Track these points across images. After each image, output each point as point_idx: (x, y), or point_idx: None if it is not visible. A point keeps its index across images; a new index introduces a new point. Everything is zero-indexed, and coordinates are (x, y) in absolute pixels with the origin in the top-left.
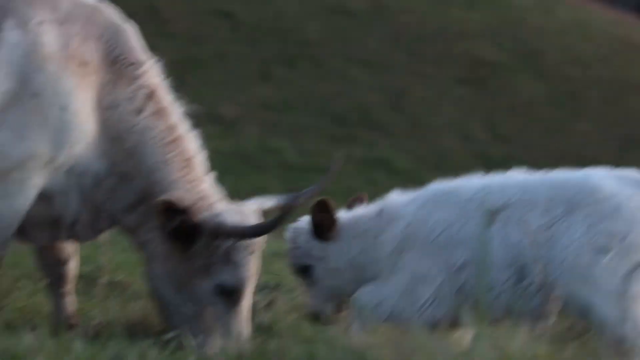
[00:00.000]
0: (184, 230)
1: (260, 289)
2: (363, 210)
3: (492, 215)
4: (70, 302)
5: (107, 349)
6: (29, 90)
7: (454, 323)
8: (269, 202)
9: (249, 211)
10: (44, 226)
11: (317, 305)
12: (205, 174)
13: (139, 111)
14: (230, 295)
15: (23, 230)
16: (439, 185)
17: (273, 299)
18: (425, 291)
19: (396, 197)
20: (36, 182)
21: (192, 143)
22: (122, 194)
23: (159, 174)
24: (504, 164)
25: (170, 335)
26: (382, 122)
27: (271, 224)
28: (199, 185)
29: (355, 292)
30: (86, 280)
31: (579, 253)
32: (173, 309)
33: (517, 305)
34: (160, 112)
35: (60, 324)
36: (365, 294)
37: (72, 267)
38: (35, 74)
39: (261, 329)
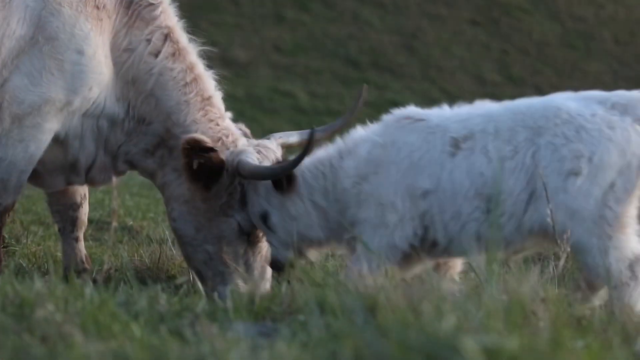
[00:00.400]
0: (208, 169)
1: None
2: (323, 150)
3: (455, 143)
4: (81, 247)
5: (117, 294)
6: (45, 35)
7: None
8: (292, 137)
9: (272, 146)
10: (60, 170)
11: (277, 252)
12: (224, 111)
13: (157, 53)
14: (250, 234)
15: (39, 175)
16: (404, 111)
17: None
18: (392, 217)
19: (356, 131)
20: (51, 126)
21: (209, 82)
22: (139, 138)
23: (180, 115)
24: None
25: (180, 280)
26: (394, 64)
27: (291, 163)
28: (219, 123)
29: (319, 236)
30: (97, 225)
31: (549, 179)
32: (194, 249)
33: (487, 234)
34: (177, 53)
35: (71, 269)
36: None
37: (84, 212)
38: (51, 18)
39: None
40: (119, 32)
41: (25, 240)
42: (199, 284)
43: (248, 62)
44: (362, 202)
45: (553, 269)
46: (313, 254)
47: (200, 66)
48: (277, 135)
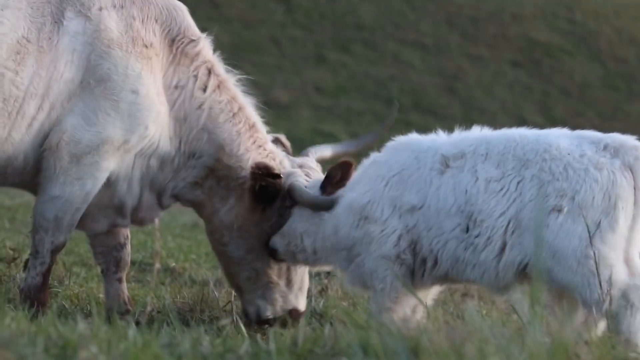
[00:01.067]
0: (269, 193)
1: (313, 275)
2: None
3: (445, 161)
4: (124, 289)
5: (160, 336)
6: (96, 77)
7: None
8: (327, 150)
9: (314, 164)
10: (104, 212)
11: (273, 241)
12: (266, 135)
13: (205, 87)
14: None
15: (83, 217)
16: (402, 137)
17: (326, 285)
18: (374, 229)
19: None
20: (108, 165)
21: (251, 109)
22: (188, 172)
23: (233, 146)
24: None
25: (224, 322)
26: (435, 105)
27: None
28: (266, 148)
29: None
30: (139, 266)
31: (532, 213)
32: (241, 267)
33: (465, 255)
34: (221, 85)
35: (114, 311)
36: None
37: (127, 252)
38: (101, 60)
39: (315, 315)
40: (167, 70)
41: (67, 282)
42: (242, 326)
43: (289, 103)
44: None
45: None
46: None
47: (240, 95)
48: (313, 150)
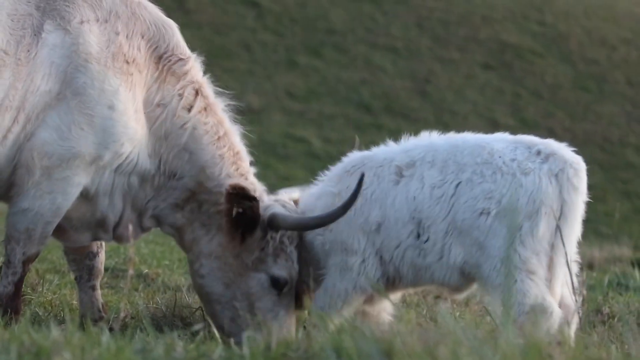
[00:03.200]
0: (247, 219)
1: None
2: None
3: (399, 171)
4: (98, 296)
5: (134, 342)
6: (72, 90)
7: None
8: (294, 193)
9: (289, 201)
10: (87, 227)
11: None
12: (249, 166)
13: (190, 107)
14: (282, 287)
15: (65, 231)
16: (354, 155)
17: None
18: (354, 260)
19: (311, 187)
20: (79, 180)
21: (237, 137)
22: (169, 192)
23: (215, 169)
24: None
25: (197, 327)
26: (407, 109)
27: (333, 214)
28: (248, 177)
29: None
30: (113, 272)
31: (465, 215)
32: (222, 306)
33: (418, 261)
34: (208, 108)
35: (87, 317)
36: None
37: (100, 260)
38: (77, 74)
39: None
40: (151, 87)
41: (41, 289)
42: (216, 331)
43: (261, 108)
44: (328, 251)
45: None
46: None
47: (227, 121)
48: (283, 191)
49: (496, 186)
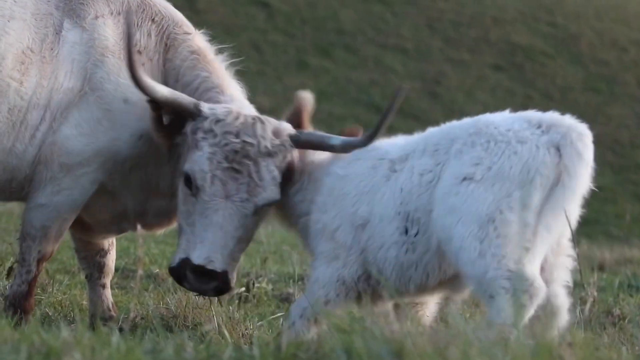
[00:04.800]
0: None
1: (296, 280)
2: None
3: (392, 166)
4: (108, 295)
5: (144, 342)
6: (91, 86)
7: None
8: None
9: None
10: (111, 221)
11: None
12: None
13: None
14: (191, 184)
15: (90, 227)
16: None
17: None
18: (341, 252)
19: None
20: (97, 176)
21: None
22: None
23: None
24: None
25: (207, 327)
26: (417, 110)
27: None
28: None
29: None
30: (122, 273)
31: (445, 183)
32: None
33: (404, 258)
34: (204, 62)
35: (97, 317)
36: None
37: (111, 258)
38: (96, 69)
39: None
40: (164, 72)
41: (51, 289)
42: (226, 332)
43: (271, 109)
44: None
45: (579, 313)
46: None
47: (230, 83)
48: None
49: (487, 154)
